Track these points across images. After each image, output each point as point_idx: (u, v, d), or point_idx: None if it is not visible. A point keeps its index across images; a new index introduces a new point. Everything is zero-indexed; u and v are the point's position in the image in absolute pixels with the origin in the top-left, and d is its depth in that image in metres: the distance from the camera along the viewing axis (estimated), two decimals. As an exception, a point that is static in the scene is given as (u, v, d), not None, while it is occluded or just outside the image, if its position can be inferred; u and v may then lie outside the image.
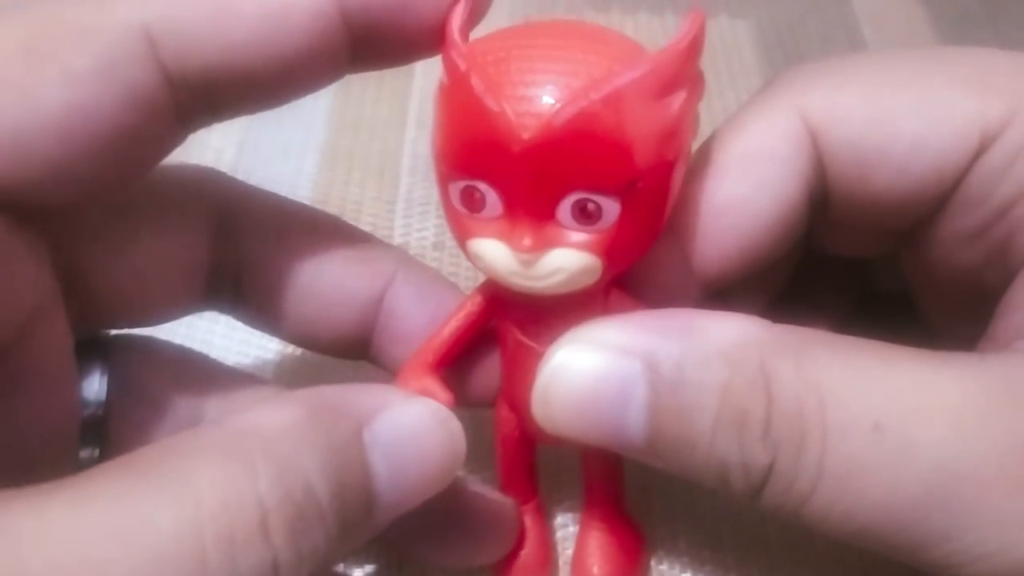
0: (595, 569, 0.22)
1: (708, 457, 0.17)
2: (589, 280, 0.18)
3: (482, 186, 0.17)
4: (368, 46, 0.18)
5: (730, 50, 0.39)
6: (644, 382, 0.17)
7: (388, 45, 0.18)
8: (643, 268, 0.19)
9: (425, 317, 0.21)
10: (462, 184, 0.17)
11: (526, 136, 0.16)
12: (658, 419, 0.17)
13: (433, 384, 0.19)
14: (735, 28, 0.40)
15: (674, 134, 0.17)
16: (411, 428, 0.17)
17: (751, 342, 0.17)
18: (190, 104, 0.17)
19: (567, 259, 0.17)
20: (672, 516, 0.25)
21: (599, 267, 0.18)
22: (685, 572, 0.24)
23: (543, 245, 0.17)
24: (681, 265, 0.20)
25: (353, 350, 0.22)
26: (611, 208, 0.17)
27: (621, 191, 0.17)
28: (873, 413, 0.16)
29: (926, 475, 0.16)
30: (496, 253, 0.17)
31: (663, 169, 0.17)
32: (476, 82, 0.16)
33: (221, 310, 0.23)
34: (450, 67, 0.17)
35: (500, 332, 0.20)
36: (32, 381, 0.18)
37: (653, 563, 0.24)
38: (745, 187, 0.20)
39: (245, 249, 0.21)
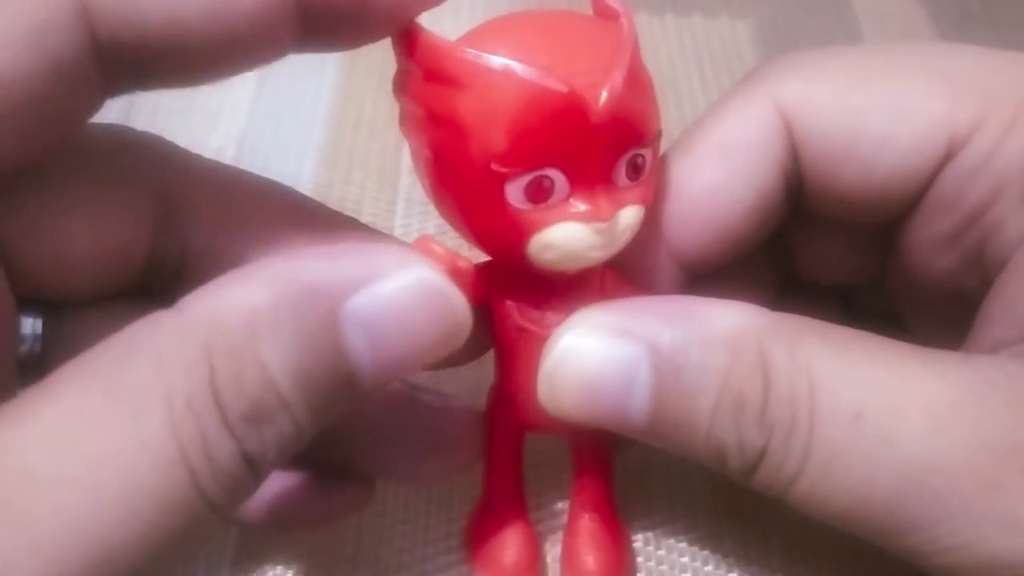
0: (589, 559, 0.22)
1: (707, 438, 0.17)
2: (637, 230, 0.19)
3: (551, 172, 0.17)
4: (319, 27, 0.17)
5: (730, 50, 0.39)
6: (648, 365, 0.17)
7: (341, 27, 0.18)
8: (626, 254, 0.19)
9: None
10: (527, 178, 0.17)
11: (600, 105, 0.17)
12: (661, 401, 0.18)
13: (443, 249, 0.19)
14: (735, 28, 0.40)
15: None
16: (395, 300, 0.16)
17: (750, 328, 0.17)
18: (117, 74, 0.17)
19: (630, 215, 0.18)
20: (672, 505, 0.25)
21: (642, 216, 0.19)
22: (683, 557, 0.24)
23: (616, 208, 0.18)
24: (662, 251, 0.21)
25: None
26: (649, 158, 0.18)
27: (654, 139, 0.18)
28: (857, 402, 0.16)
29: (900, 466, 0.16)
30: (574, 234, 0.18)
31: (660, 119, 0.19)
32: (526, 72, 0.17)
33: (160, 295, 0.21)
34: (471, 71, 0.17)
35: (497, 320, 0.20)
36: None
37: (640, 560, 0.24)
38: (721, 175, 0.20)
39: (193, 235, 0.20)
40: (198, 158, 0.21)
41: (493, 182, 0.17)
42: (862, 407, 0.16)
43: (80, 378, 0.14)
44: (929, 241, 0.20)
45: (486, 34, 0.18)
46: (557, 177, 0.17)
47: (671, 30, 0.40)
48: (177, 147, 0.21)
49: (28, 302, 0.20)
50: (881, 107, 0.19)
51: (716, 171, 0.20)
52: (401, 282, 0.16)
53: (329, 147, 0.35)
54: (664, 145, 0.20)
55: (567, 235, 0.18)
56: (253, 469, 0.15)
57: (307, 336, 0.15)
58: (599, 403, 0.18)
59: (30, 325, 0.20)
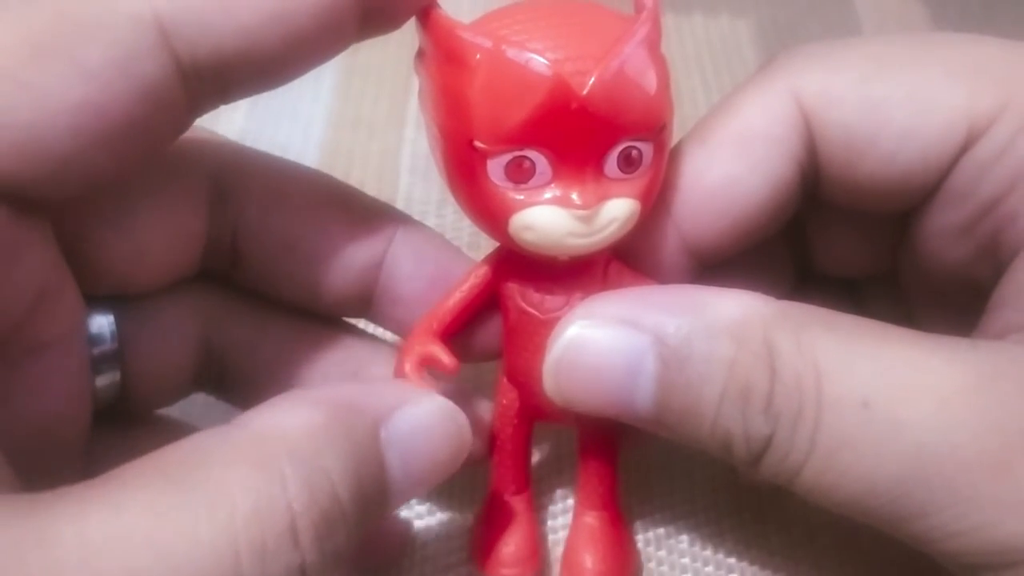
0: (587, 558, 0.22)
1: (713, 427, 0.18)
2: (631, 226, 0.19)
3: (532, 154, 0.17)
4: (376, 14, 0.18)
5: (730, 50, 0.39)
6: (653, 355, 0.18)
7: (393, 10, 0.18)
8: (639, 244, 0.19)
9: (425, 278, 0.21)
10: (508, 157, 0.17)
11: (584, 92, 0.17)
12: (666, 391, 0.18)
13: (438, 349, 0.20)
14: (735, 28, 0.40)
15: (670, 83, 0.19)
16: (424, 425, 0.18)
17: (756, 317, 0.17)
18: (201, 91, 0.17)
19: (619, 208, 0.18)
20: (672, 505, 0.25)
21: (639, 211, 0.19)
22: (684, 557, 0.24)
23: (599, 199, 0.18)
24: (675, 241, 0.21)
25: (354, 311, 0.22)
26: (647, 152, 0.18)
27: (655, 134, 0.18)
28: (864, 390, 0.17)
29: (908, 454, 0.16)
30: (552, 218, 0.18)
31: (671, 114, 0.19)
32: (514, 53, 0.17)
33: (218, 275, 0.22)
34: (466, 48, 0.17)
35: (503, 304, 0.20)
36: (42, 349, 0.18)
37: (644, 561, 0.24)
38: (738, 167, 0.20)
39: (241, 215, 0.21)
40: (243, 146, 0.22)
41: (476, 158, 0.18)
42: (869, 395, 0.16)
43: (148, 474, 0.15)
44: (943, 230, 0.20)
45: (497, 16, 0.18)
46: (538, 160, 0.17)
47: (672, 29, 0.40)
48: (222, 136, 0.22)
49: (99, 300, 0.20)
50: (902, 99, 0.19)
51: (732, 162, 0.20)
52: (427, 408, 0.18)
53: (329, 147, 0.35)
54: (672, 141, 0.20)
55: (545, 218, 0.18)
56: None
57: (359, 451, 0.16)
58: (604, 393, 0.18)
59: (98, 325, 0.20)
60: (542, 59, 0.17)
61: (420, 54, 0.19)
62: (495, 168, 0.18)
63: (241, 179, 0.21)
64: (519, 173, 0.18)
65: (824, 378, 0.17)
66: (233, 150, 0.22)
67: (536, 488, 0.23)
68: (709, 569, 0.24)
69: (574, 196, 0.18)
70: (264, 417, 0.16)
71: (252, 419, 0.16)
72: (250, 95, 0.18)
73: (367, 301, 0.22)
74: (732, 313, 0.18)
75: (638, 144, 0.18)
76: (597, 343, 0.18)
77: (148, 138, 0.17)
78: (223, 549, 0.14)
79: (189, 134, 0.21)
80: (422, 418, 0.18)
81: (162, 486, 0.14)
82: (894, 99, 0.19)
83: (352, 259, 0.21)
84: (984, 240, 0.20)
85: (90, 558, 0.13)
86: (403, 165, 0.34)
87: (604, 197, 0.18)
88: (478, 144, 0.17)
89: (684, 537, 0.24)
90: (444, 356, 0.20)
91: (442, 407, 0.18)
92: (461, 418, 0.18)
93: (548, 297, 0.20)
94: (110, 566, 0.13)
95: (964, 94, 0.19)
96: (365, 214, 0.22)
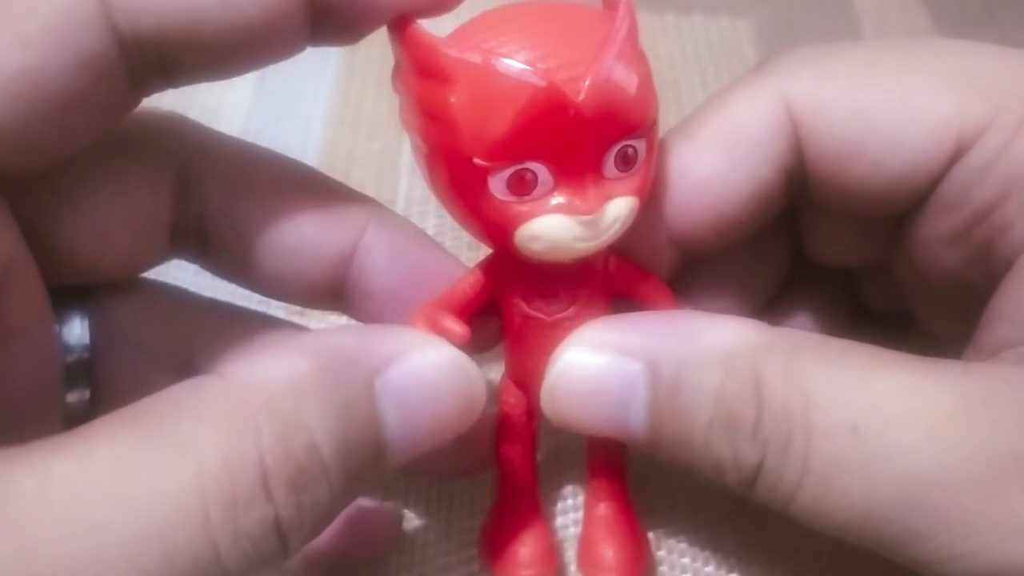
0: (607, 552, 0.22)
1: (704, 453, 0.18)
2: (631, 222, 0.19)
3: (532, 165, 0.17)
4: (329, 20, 0.18)
5: (730, 50, 0.39)
6: (645, 383, 0.18)
7: (349, 20, 0.18)
8: (626, 237, 0.19)
9: (399, 273, 0.21)
10: (509, 171, 0.17)
11: (580, 99, 0.17)
12: (658, 418, 0.18)
13: (448, 319, 0.19)
14: (735, 28, 0.40)
15: (652, 76, 0.19)
16: (425, 376, 0.17)
17: (745, 346, 0.18)
18: (143, 68, 0.17)
19: (620, 207, 0.18)
20: (673, 505, 0.25)
21: (637, 207, 0.19)
22: (684, 557, 0.24)
23: (602, 201, 0.18)
24: (662, 235, 0.21)
25: (326, 302, 0.22)
26: (641, 149, 0.18)
27: (647, 130, 0.18)
28: (853, 417, 0.17)
29: (899, 479, 0.16)
30: (559, 226, 0.18)
31: (658, 107, 0.19)
32: (505, 67, 0.17)
33: (189, 260, 0.22)
34: (454, 66, 0.17)
35: (504, 310, 0.20)
36: (8, 336, 0.18)
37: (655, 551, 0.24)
38: (722, 166, 0.20)
39: (208, 200, 0.20)
40: (212, 130, 0.22)
41: (476, 175, 0.17)
42: (859, 421, 0.16)
43: (117, 426, 0.14)
44: (935, 237, 0.20)
45: (477, 27, 0.18)
46: (540, 170, 0.17)
47: (672, 29, 0.40)
48: (193, 120, 0.21)
49: (71, 301, 0.20)
50: (890, 105, 0.19)
51: (717, 161, 0.20)
52: (430, 357, 0.17)
53: (329, 147, 0.35)
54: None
55: (551, 227, 0.18)
56: (282, 539, 0.15)
57: (347, 404, 0.16)
58: (599, 418, 0.19)
59: (77, 336, 0.20)
60: (534, 70, 0.17)
61: (398, 70, 0.19)
62: (496, 183, 0.17)
63: (209, 164, 0.21)
64: (522, 185, 0.17)
65: (813, 405, 0.17)
66: (202, 134, 0.21)
67: (542, 486, 0.23)
68: (709, 569, 0.24)
69: (578, 202, 0.18)
70: (245, 367, 0.16)
71: (233, 369, 0.16)
72: (197, 81, 0.18)
73: (339, 294, 0.21)
74: (722, 341, 0.18)
75: (633, 142, 0.18)
76: (590, 370, 0.18)
77: (89, 112, 0.17)
78: (190, 503, 0.14)
79: (157, 117, 0.21)
80: (424, 369, 0.17)
81: (130, 439, 0.14)
82: (882, 105, 0.19)
83: (322, 249, 0.21)
84: (976, 248, 0.20)
85: (50, 510, 0.13)
86: (403, 165, 0.34)
87: (606, 198, 0.18)
88: (477, 161, 0.17)
89: (684, 537, 0.24)
90: (455, 326, 0.19)
91: (448, 357, 0.18)
92: (471, 369, 0.18)
93: (553, 300, 0.20)
94: (70, 519, 0.13)
95: (954, 102, 0.19)
96: (336, 203, 0.21)
